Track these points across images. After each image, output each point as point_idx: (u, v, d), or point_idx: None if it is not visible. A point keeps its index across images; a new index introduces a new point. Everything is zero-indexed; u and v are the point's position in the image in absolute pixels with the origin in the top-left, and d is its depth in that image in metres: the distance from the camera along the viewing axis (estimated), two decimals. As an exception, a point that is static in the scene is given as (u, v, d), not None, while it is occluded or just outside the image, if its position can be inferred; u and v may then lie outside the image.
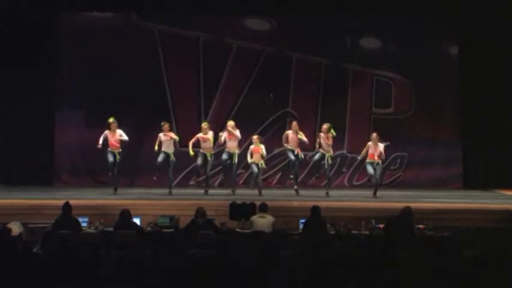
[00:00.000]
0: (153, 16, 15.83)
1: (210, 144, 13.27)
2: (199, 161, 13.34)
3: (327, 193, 13.16)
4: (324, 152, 13.14)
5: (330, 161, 13.19)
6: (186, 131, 14.50)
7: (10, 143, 15.30)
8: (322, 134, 13.19)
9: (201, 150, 13.29)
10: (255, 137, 13.56)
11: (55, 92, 15.54)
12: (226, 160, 13.37)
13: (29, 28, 15.04)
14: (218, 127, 15.56)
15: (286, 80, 16.01)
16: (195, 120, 15.34)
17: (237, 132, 13.30)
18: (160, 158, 13.10)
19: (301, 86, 16.06)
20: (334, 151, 13.62)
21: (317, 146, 13.35)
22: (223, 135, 13.35)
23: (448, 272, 5.89)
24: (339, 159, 15.67)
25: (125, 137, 13.03)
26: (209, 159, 13.27)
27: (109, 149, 12.98)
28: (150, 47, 15.71)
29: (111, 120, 12.98)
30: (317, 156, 13.28)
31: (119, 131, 13.00)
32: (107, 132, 12.99)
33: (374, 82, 16.16)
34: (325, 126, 13.21)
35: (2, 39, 14.95)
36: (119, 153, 12.99)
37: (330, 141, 13.15)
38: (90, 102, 15.66)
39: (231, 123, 13.39)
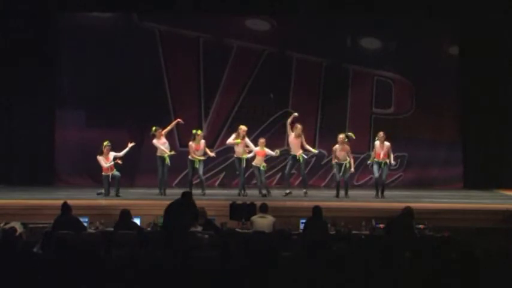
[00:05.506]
0: (153, 16, 15.83)
1: (201, 152, 13.19)
2: (189, 170, 13.19)
3: (346, 194, 12.91)
4: (341, 162, 12.84)
5: (347, 166, 12.80)
6: (186, 131, 14.48)
7: (10, 143, 15.29)
8: (337, 146, 12.83)
9: (189, 157, 13.10)
10: (261, 140, 13.38)
11: (55, 92, 15.54)
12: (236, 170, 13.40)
13: (29, 28, 15.03)
14: (218, 127, 15.58)
15: (286, 80, 15.99)
16: (195, 120, 15.34)
17: (249, 143, 13.18)
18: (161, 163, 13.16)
19: (301, 86, 16.02)
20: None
21: (333, 161, 12.99)
22: (234, 138, 13.18)
23: (448, 272, 5.89)
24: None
25: (120, 154, 12.87)
26: (197, 166, 13.09)
27: (103, 173, 12.80)
28: (150, 47, 15.72)
29: (105, 143, 12.81)
30: (335, 170, 12.98)
31: (112, 154, 12.80)
32: (100, 158, 12.76)
33: (374, 82, 16.15)
34: (341, 136, 12.86)
35: (2, 39, 14.95)
36: (112, 175, 12.76)
37: (347, 149, 12.79)
38: (90, 102, 15.67)
39: (243, 128, 13.15)
